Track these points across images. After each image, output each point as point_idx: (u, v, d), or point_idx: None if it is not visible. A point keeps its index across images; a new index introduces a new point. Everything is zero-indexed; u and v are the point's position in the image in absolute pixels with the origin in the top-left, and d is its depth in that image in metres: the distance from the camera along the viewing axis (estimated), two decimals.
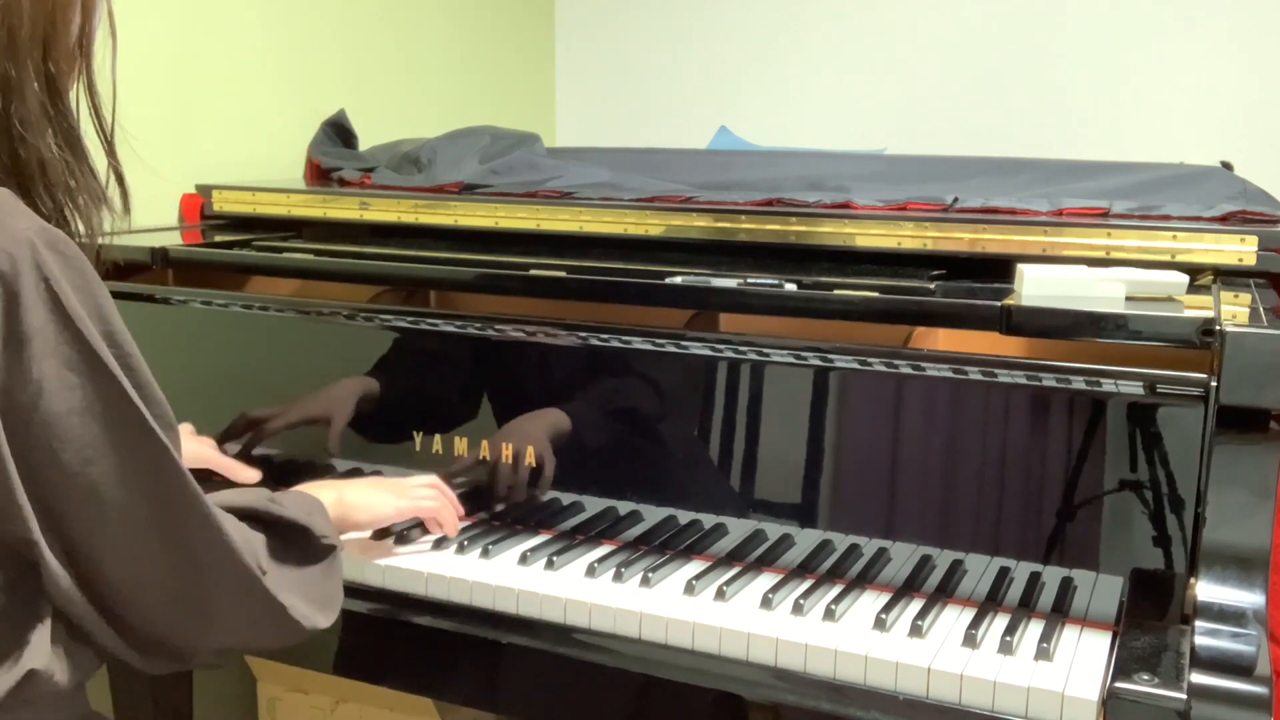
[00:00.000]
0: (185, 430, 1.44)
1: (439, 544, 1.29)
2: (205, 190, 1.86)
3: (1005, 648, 1.06)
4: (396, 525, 1.30)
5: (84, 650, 0.88)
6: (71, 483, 0.81)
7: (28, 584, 0.82)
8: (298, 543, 0.99)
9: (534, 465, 1.32)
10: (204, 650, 0.93)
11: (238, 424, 1.48)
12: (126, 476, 0.82)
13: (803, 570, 1.22)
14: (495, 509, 1.35)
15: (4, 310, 0.76)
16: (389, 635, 1.25)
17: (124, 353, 0.82)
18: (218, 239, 1.73)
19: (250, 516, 0.95)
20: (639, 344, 1.29)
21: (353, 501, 1.18)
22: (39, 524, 0.80)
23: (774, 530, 1.24)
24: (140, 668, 0.90)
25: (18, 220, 0.78)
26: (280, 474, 1.45)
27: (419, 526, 1.32)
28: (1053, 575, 1.14)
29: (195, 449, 1.37)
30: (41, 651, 0.82)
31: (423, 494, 1.26)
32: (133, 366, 0.83)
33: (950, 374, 1.16)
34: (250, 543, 0.92)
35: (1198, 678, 0.96)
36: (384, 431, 1.41)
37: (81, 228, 0.88)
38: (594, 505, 1.31)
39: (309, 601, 0.96)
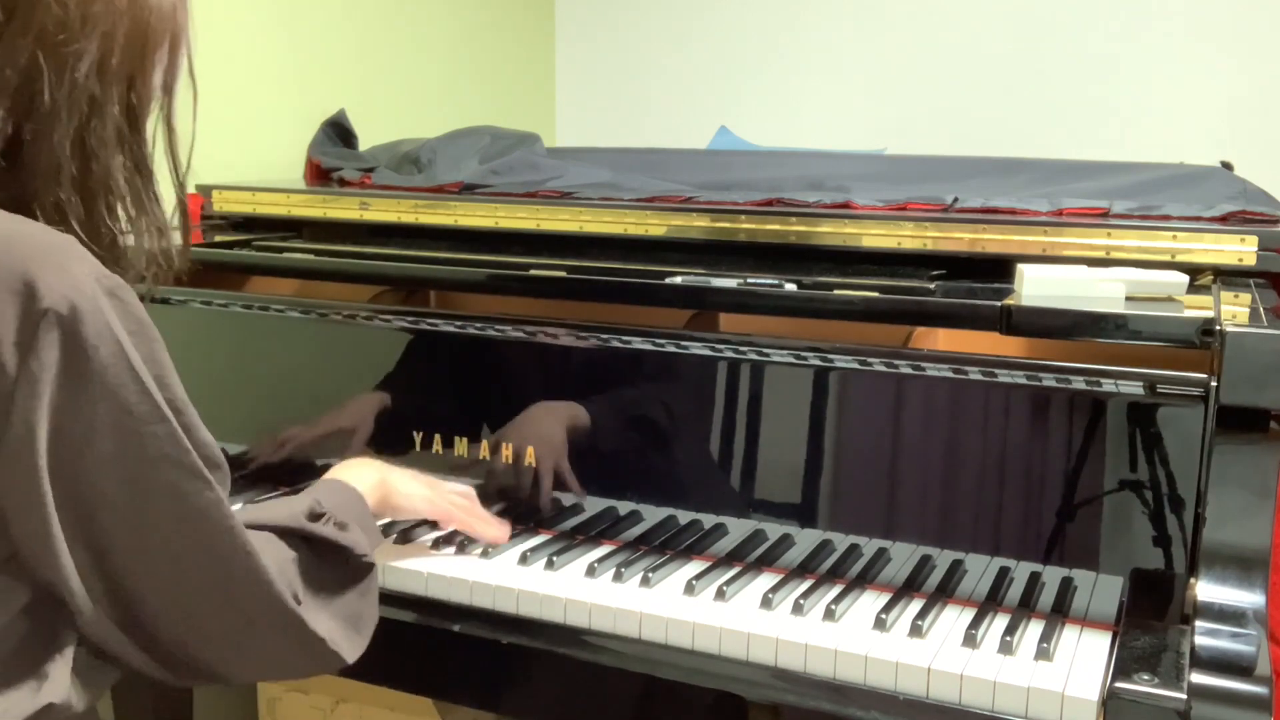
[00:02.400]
0: None
1: (439, 544, 1.29)
2: (205, 190, 1.86)
3: (1005, 648, 1.06)
4: (400, 523, 1.31)
5: (104, 671, 0.89)
6: (120, 523, 0.83)
7: (54, 615, 0.84)
8: (335, 560, 1.01)
9: (538, 467, 1.32)
10: (240, 677, 0.97)
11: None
12: (173, 518, 0.85)
13: (803, 570, 1.22)
14: (495, 509, 1.35)
15: (62, 353, 0.78)
16: (389, 635, 1.24)
17: (174, 396, 0.85)
18: (218, 239, 1.73)
19: (287, 534, 0.98)
20: (639, 344, 1.29)
21: (395, 486, 1.19)
22: (85, 562, 0.83)
23: (774, 530, 1.24)
24: (173, 683, 0.93)
25: (80, 265, 0.81)
26: (289, 477, 1.45)
27: (422, 525, 1.32)
28: (1053, 575, 1.14)
29: None
30: (61, 685, 0.83)
31: (457, 500, 1.27)
32: (181, 409, 0.85)
33: (950, 374, 1.16)
34: (285, 571, 0.94)
35: (1198, 678, 0.96)
36: (384, 431, 1.41)
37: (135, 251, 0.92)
38: (594, 505, 1.31)
39: (344, 623, 0.99)
